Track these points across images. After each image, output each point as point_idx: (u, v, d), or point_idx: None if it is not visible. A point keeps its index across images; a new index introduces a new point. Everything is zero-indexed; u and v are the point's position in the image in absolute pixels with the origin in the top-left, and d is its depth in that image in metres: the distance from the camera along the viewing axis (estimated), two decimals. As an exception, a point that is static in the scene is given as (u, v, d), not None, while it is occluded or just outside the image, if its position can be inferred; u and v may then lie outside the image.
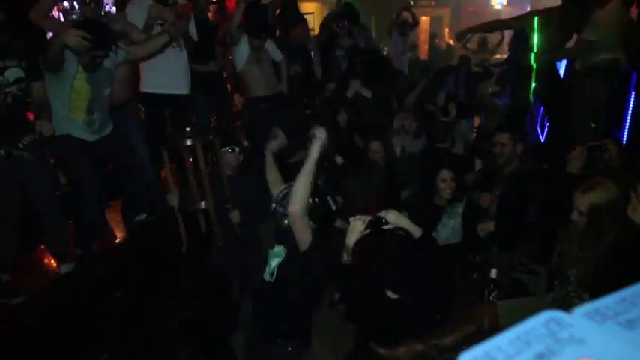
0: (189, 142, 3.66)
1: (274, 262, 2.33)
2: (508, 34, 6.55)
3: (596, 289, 2.15)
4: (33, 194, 3.11)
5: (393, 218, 2.30)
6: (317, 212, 2.28)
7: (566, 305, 2.19)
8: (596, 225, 2.21)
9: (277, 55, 4.92)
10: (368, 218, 2.30)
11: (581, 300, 2.21)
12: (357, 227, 2.30)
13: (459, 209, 3.20)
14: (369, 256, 2.51)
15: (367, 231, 2.30)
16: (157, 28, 4.01)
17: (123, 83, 3.76)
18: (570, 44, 4.65)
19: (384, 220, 2.29)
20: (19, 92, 2.91)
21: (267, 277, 2.35)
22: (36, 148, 3.07)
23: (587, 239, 2.25)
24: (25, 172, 3.01)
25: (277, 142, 2.87)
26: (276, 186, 2.64)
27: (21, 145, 2.97)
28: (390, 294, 2.38)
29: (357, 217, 2.33)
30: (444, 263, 2.44)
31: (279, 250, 2.35)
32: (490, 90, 6.15)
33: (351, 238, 2.30)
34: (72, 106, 3.18)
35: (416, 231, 2.32)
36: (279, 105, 4.76)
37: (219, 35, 5.08)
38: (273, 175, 2.74)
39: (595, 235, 2.22)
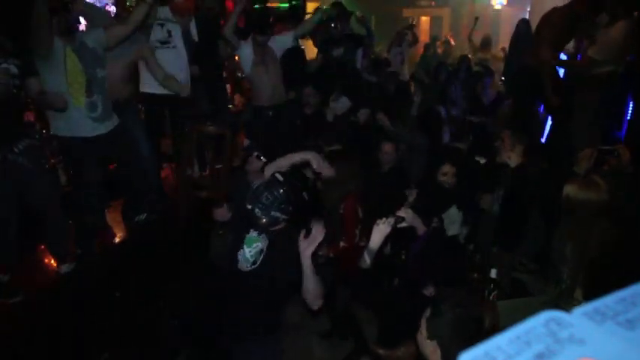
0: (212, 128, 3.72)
1: (252, 249, 2.28)
2: (507, 33, 6.55)
3: (588, 288, 2.15)
4: (32, 198, 3.11)
5: (411, 217, 2.32)
6: (294, 205, 2.26)
7: (562, 303, 2.19)
8: (577, 221, 2.20)
9: (288, 37, 4.68)
10: (392, 220, 2.30)
11: (574, 298, 2.21)
12: (383, 230, 2.28)
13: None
14: (395, 258, 2.52)
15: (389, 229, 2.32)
16: (157, 28, 4.02)
17: (124, 82, 3.77)
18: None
19: (400, 220, 2.31)
20: (15, 90, 2.89)
21: (245, 264, 2.28)
22: (32, 153, 3.06)
23: (571, 236, 2.25)
24: (22, 177, 3.01)
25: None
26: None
27: (16, 150, 2.96)
28: (428, 292, 2.38)
29: (383, 219, 2.31)
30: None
31: (256, 236, 2.30)
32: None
33: (376, 242, 2.29)
34: (70, 90, 3.16)
35: (422, 228, 2.38)
36: (282, 114, 4.72)
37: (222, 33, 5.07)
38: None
39: (578, 232, 2.21)
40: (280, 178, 2.28)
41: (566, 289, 2.29)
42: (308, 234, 2.11)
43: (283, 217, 2.23)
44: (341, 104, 4.90)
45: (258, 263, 2.27)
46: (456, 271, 2.50)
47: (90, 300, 3.16)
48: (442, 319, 1.56)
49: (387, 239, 2.34)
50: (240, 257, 2.31)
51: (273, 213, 2.19)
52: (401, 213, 2.34)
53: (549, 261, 2.52)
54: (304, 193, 2.37)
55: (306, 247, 2.10)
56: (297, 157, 2.57)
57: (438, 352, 1.56)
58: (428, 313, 1.64)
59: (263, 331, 2.33)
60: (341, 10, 6.02)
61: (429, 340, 1.60)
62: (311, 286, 2.13)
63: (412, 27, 7.71)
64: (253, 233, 2.32)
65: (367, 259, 2.31)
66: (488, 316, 2.38)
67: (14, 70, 2.89)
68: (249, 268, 2.28)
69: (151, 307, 3.27)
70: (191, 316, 3.11)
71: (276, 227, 2.28)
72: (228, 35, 4.38)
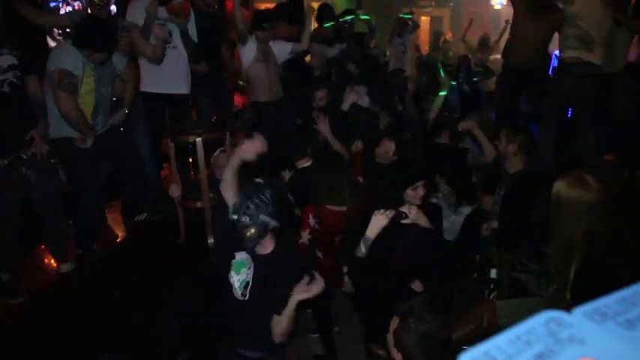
0: (195, 138, 3.67)
1: (240, 278, 2.15)
2: (507, 33, 6.55)
3: (577, 287, 2.14)
4: (35, 202, 3.12)
5: (415, 215, 2.31)
6: (279, 207, 2.12)
7: (555, 303, 2.19)
8: (566, 219, 2.19)
9: (286, 47, 4.74)
10: (392, 213, 2.30)
11: (565, 298, 2.20)
12: (379, 221, 2.29)
13: (466, 210, 3.17)
14: (391, 251, 2.50)
15: (385, 223, 2.30)
16: (152, 41, 4.03)
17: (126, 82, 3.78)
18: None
19: (403, 215, 2.30)
20: (16, 80, 2.88)
21: (238, 293, 2.15)
22: (39, 159, 3.05)
23: (559, 235, 2.24)
24: (27, 184, 3.02)
25: (253, 148, 2.32)
26: (230, 188, 2.27)
27: (24, 157, 2.96)
28: (416, 287, 2.39)
29: (381, 211, 2.31)
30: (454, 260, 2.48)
31: (243, 260, 2.16)
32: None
33: (373, 232, 2.30)
34: None
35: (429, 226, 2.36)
36: (281, 111, 4.71)
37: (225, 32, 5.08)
38: (230, 179, 2.29)
39: (566, 231, 2.20)
40: (262, 182, 2.18)
41: (557, 288, 2.28)
42: (309, 280, 2.01)
43: (273, 222, 2.06)
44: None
45: (247, 297, 2.13)
46: (444, 268, 2.48)
47: (90, 300, 3.16)
48: (409, 334, 1.57)
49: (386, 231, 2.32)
50: (232, 283, 2.17)
51: (262, 217, 2.01)
52: (404, 208, 2.33)
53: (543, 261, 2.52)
54: (289, 195, 2.27)
55: (299, 294, 2.00)
56: (234, 162, 2.29)
57: None
58: (396, 323, 1.64)
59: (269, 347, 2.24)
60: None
61: (395, 349, 1.62)
62: (284, 323, 2.04)
63: (413, 13, 7.56)
64: (240, 256, 2.16)
65: (362, 248, 2.32)
66: (486, 316, 2.39)
67: (14, 61, 2.88)
68: (241, 299, 2.15)
69: (152, 307, 3.27)
70: (191, 316, 3.11)
71: (264, 245, 2.12)
72: (239, 26, 4.44)
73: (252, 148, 2.27)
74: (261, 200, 2.02)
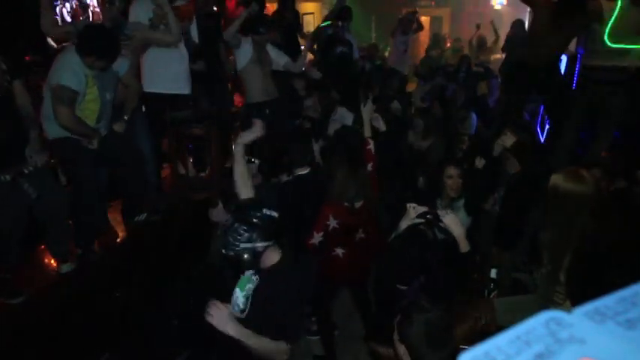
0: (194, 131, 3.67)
1: (244, 294, 2.06)
2: (503, 34, 6.56)
3: (571, 276, 2.15)
4: (39, 212, 3.12)
5: (449, 222, 2.25)
6: (266, 229, 2.03)
7: (549, 284, 2.20)
8: (561, 211, 2.20)
9: (282, 58, 4.80)
10: (422, 209, 2.32)
11: (558, 282, 2.20)
12: (410, 214, 2.35)
13: (460, 204, 3.12)
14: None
15: (419, 220, 2.32)
16: (161, 27, 4.04)
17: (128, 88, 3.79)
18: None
19: (435, 217, 2.29)
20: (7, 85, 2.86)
21: (235, 308, 2.08)
22: (41, 172, 3.04)
23: (553, 225, 2.25)
24: (29, 198, 3.00)
25: (253, 133, 2.56)
26: (243, 184, 2.39)
27: (27, 171, 2.95)
28: (400, 286, 2.42)
29: (413, 205, 2.37)
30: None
31: (249, 276, 2.10)
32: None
33: (403, 223, 2.37)
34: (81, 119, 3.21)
35: (465, 245, 2.25)
36: (277, 112, 4.72)
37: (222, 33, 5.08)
38: (240, 172, 2.43)
39: (561, 222, 2.21)
40: (240, 213, 2.07)
41: (548, 273, 2.29)
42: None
43: (260, 245, 2.00)
44: (341, 118, 4.66)
45: (246, 312, 2.05)
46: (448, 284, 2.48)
47: (90, 300, 3.16)
48: (411, 327, 1.57)
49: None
50: (233, 298, 2.09)
51: (242, 246, 1.98)
52: (441, 212, 2.29)
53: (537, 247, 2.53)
54: (269, 213, 2.05)
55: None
56: (238, 152, 2.48)
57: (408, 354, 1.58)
58: (398, 317, 1.64)
59: None
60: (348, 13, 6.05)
61: (399, 342, 1.62)
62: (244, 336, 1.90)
63: (415, 13, 7.65)
64: (248, 272, 2.09)
65: (393, 236, 2.41)
66: (484, 314, 2.40)
67: (3, 66, 2.86)
68: (240, 316, 2.04)
69: (151, 307, 3.27)
70: (191, 316, 3.11)
71: (265, 260, 2.05)
72: (229, 38, 4.45)
73: (251, 133, 2.54)
74: (240, 231, 1.98)
